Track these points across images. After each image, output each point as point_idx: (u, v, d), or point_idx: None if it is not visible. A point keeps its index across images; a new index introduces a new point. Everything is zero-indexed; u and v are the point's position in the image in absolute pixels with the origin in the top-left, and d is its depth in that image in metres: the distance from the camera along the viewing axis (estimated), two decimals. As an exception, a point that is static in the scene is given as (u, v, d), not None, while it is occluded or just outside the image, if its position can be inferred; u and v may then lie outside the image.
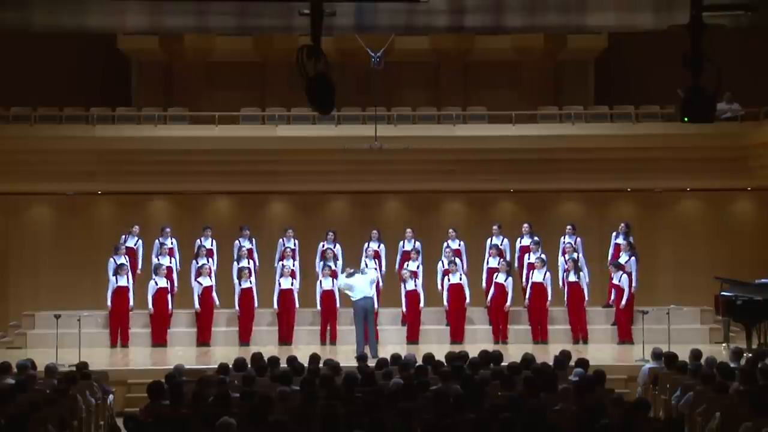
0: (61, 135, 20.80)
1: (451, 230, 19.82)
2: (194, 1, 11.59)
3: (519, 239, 19.73)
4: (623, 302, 18.49)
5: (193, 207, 21.58)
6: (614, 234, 19.67)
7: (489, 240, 19.74)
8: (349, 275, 17.52)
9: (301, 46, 10.20)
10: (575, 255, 19.05)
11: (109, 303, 18.72)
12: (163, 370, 14.19)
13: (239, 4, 11.62)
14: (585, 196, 21.73)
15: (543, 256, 19.15)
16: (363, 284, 17.36)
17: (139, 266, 19.52)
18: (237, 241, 19.71)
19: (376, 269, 18.69)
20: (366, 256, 19.14)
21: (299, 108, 20.93)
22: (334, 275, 18.77)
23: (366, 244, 19.51)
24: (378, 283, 18.59)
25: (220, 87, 23.30)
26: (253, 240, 19.88)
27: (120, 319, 18.75)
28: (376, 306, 17.96)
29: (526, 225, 19.86)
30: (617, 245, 19.44)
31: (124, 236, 19.57)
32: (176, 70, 23.27)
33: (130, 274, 18.92)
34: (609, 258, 19.42)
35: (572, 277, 18.85)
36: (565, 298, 19.03)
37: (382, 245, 19.65)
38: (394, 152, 19.82)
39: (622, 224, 19.72)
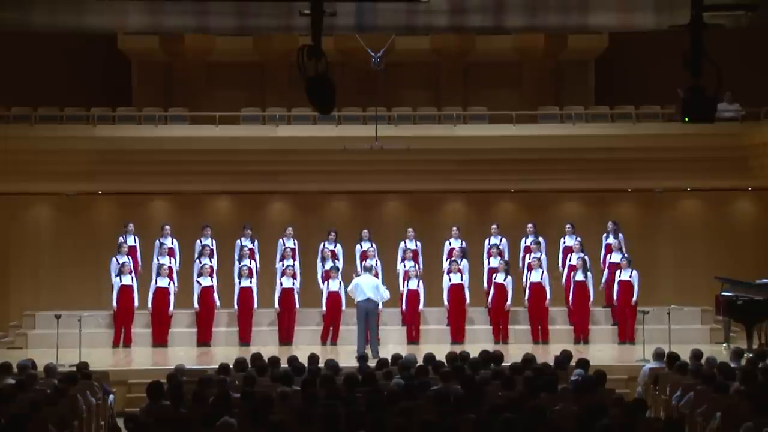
0: (61, 135, 20.79)
1: (454, 229, 19.82)
2: (194, 1, 11.60)
3: (523, 239, 19.70)
4: (634, 299, 18.53)
5: (193, 207, 21.56)
6: (605, 235, 19.69)
7: (488, 240, 19.74)
8: (359, 274, 17.70)
9: (302, 46, 10.21)
10: (582, 254, 19.07)
11: (114, 303, 18.73)
12: (163, 370, 14.21)
13: (239, 4, 11.63)
14: (585, 196, 21.72)
15: (542, 256, 19.17)
16: (367, 286, 17.37)
17: (140, 264, 19.51)
18: (238, 241, 19.72)
19: (376, 266, 18.62)
20: (361, 259, 19.10)
21: (299, 108, 20.92)
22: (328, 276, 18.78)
23: (357, 245, 19.50)
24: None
25: (220, 87, 23.29)
26: (255, 240, 19.86)
27: (124, 318, 18.75)
28: (380, 307, 17.92)
29: (530, 225, 19.84)
30: (608, 245, 19.47)
31: (121, 237, 19.55)
32: (176, 70, 23.26)
33: (133, 272, 18.96)
34: (601, 258, 19.45)
35: (579, 276, 18.85)
36: (570, 297, 19.03)
37: (373, 245, 19.54)
38: (394, 152, 19.82)
39: (610, 222, 19.75)
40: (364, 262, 18.71)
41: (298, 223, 20.82)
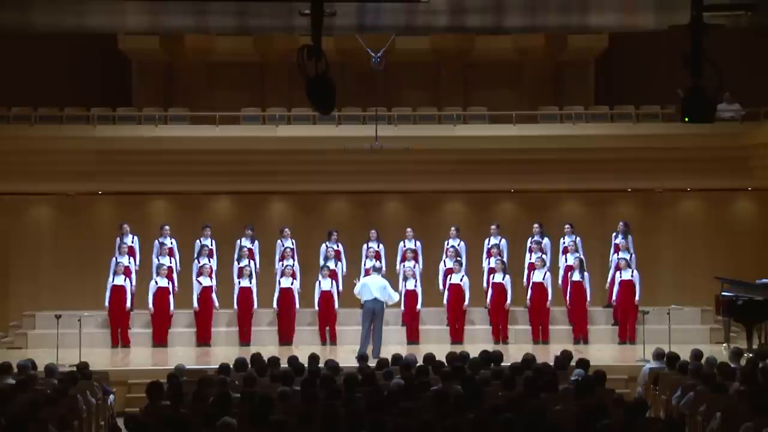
0: (61, 135, 20.78)
1: (453, 229, 19.82)
2: (194, 1, 11.60)
3: (530, 239, 19.68)
4: (637, 298, 18.53)
5: (193, 207, 21.56)
6: (614, 234, 19.69)
7: (487, 240, 19.75)
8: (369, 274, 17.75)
9: (302, 46, 10.20)
10: (579, 254, 19.06)
11: (107, 303, 18.75)
12: (163, 370, 14.23)
13: (239, 4, 11.63)
14: (585, 196, 21.72)
15: (544, 256, 19.20)
16: (375, 286, 17.36)
17: (136, 263, 19.51)
18: (239, 241, 19.73)
19: (381, 268, 18.62)
20: (366, 257, 19.17)
21: (300, 108, 20.93)
22: (333, 276, 18.82)
23: (365, 245, 19.53)
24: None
25: (220, 87, 23.30)
26: (256, 241, 19.86)
27: (117, 318, 18.75)
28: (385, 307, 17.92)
29: (536, 225, 19.83)
30: (617, 245, 19.45)
31: (118, 238, 19.53)
32: (176, 70, 23.27)
33: (133, 273, 18.95)
34: (610, 258, 19.46)
35: (576, 276, 18.86)
36: (568, 297, 19.04)
37: (381, 245, 19.64)
38: (394, 152, 19.81)
39: (621, 223, 19.76)
40: (366, 260, 18.72)
41: (298, 223, 20.82)
